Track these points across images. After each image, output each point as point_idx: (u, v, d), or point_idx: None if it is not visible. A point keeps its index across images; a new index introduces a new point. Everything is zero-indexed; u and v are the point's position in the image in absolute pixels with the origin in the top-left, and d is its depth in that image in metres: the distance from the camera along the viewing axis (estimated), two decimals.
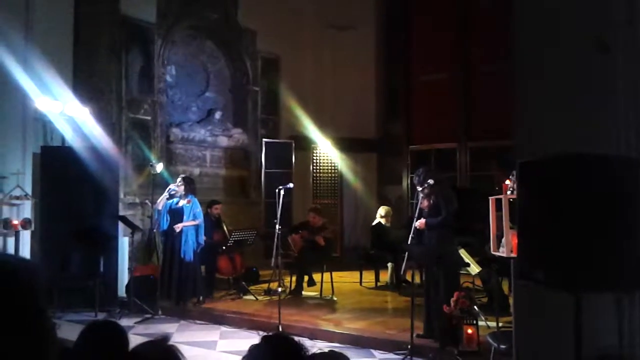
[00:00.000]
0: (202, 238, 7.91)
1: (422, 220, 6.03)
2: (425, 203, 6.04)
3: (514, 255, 3.90)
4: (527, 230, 2.95)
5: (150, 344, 1.86)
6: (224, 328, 7.08)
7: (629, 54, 3.13)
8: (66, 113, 8.27)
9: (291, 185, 7.74)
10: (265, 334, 2.05)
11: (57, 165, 8.01)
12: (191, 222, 7.79)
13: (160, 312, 7.56)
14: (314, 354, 2.07)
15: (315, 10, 12.08)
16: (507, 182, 4.46)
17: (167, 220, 7.83)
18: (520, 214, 2.99)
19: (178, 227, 7.71)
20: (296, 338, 1.97)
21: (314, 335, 6.30)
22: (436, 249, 5.88)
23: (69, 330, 2.41)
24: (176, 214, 7.81)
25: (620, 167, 2.76)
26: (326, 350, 2.45)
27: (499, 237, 4.45)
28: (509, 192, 4.36)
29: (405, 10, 12.41)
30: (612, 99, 3.17)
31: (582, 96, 3.28)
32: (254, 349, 1.90)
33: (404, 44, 12.45)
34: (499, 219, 4.48)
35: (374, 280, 9.49)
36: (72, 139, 8.44)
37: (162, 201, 7.84)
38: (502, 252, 4.35)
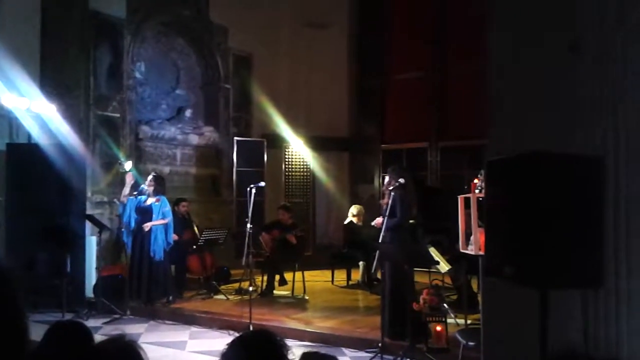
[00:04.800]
0: (172, 237, 7.83)
1: (379, 220, 6.07)
2: (385, 200, 6.07)
3: (482, 252, 3.95)
4: (494, 227, 2.98)
5: (109, 340, 1.85)
6: (193, 328, 7.01)
7: (597, 54, 3.18)
8: (32, 110, 8.10)
9: (263, 183, 7.70)
10: (236, 333, 2.03)
11: (23, 163, 7.83)
12: (160, 221, 7.69)
13: (129, 313, 7.46)
14: (304, 353, 2.08)
15: (289, 8, 12.05)
16: (476, 180, 4.51)
17: (134, 218, 7.72)
18: (488, 211, 3.02)
19: (147, 226, 7.62)
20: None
21: (285, 334, 6.20)
22: (403, 248, 5.91)
23: (35, 331, 2.36)
24: (145, 213, 7.71)
25: (585, 165, 2.80)
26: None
27: (468, 235, 4.50)
28: (477, 191, 4.41)
29: (380, 10, 12.46)
30: (579, 100, 3.23)
31: (552, 97, 3.33)
32: (235, 344, 1.89)
33: (378, 44, 12.50)
34: (467, 217, 4.53)
35: (345, 279, 9.52)
36: (38, 136, 8.27)
37: (125, 195, 7.70)
38: (471, 250, 4.40)
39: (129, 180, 7.77)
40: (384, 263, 6.03)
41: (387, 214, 5.97)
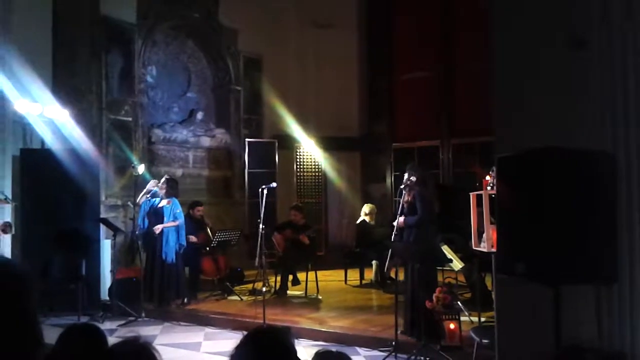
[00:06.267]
0: (184, 239, 7.87)
1: (402, 219, 6.06)
2: (406, 198, 6.07)
3: (494, 250, 3.93)
4: (506, 224, 2.97)
5: (124, 342, 1.86)
6: (208, 329, 7.04)
7: (603, 51, 3.16)
8: (46, 115, 8.17)
9: (274, 184, 7.72)
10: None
11: (37, 168, 7.91)
12: (171, 223, 7.73)
13: (144, 315, 7.51)
14: (318, 352, 2.08)
15: (297, 8, 12.07)
16: (488, 177, 4.49)
17: (146, 221, 7.80)
18: (499, 208, 3.01)
19: (158, 229, 7.67)
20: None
21: (299, 334, 6.29)
22: (415, 247, 5.89)
23: (50, 334, 2.39)
24: (156, 215, 7.77)
25: (596, 161, 2.79)
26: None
27: (480, 233, 4.49)
28: (489, 188, 4.39)
29: (387, 8, 12.44)
30: (587, 96, 3.21)
31: (561, 93, 3.31)
32: (242, 345, 1.90)
33: (386, 42, 12.47)
34: (480, 215, 4.51)
35: (358, 278, 9.51)
36: (51, 142, 8.34)
37: (142, 198, 7.81)
38: (483, 247, 4.38)
39: (151, 186, 7.86)
40: (406, 262, 6.03)
41: (407, 211, 5.99)
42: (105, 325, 6.88)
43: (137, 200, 7.88)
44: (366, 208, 9.71)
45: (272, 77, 11.70)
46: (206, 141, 11.14)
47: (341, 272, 9.73)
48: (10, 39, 7.77)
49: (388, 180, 12.23)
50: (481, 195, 4.49)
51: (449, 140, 11.62)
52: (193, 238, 8.32)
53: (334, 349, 2.27)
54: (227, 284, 8.59)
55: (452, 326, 5.51)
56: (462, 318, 5.85)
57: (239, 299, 8.25)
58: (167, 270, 7.69)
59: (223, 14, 11.03)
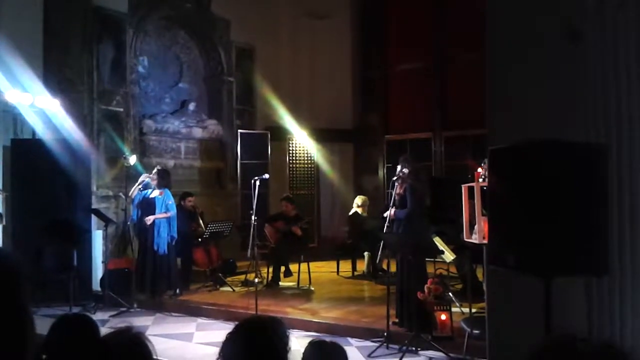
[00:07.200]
0: (175, 230, 7.85)
1: (393, 211, 6.08)
2: (398, 190, 6.09)
3: (485, 241, 3.96)
4: (497, 216, 2.98)
5: (116, 332, 1.86)
6: (200, 320, 7.06)
7: (598, 42, 3.17)
8: (36, 105, 8.12)
9: (267, 176, 7.73)
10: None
11: (28, 159, 7.87)
12: (163, 215, 7.72)
13: (135, 305, 7.51)
14: (312, 341, 2.09)
15: None
16: (479, 169, 4.50)
17: (138, 212, 7.78)
18: (491, 200, 3.02)
19: (149, 220, 7.65)
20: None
21: (291, 324, 6.29)
22: (408, 238, 5.91)
23: (42, 325, 2.38)
24: (148, 206, 7.75)
25: (589, 153, 2.79)
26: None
27: (472, 225, 4.51)
28: (481, 180, 4.41)
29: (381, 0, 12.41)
30: (581, 87, 3.21)
31: (553, 84, 3.32)
32: (233, 334, 1.90)
33: (380, 34, 12.46)
34: (471, 207, 4.53)
35: (350, 270, 9.54)
36: (42, 132, 8.29)
37: (134, 191, 7.80)
38: (475, 239, 4.40)
39: (142, 179, 7.84)
40: (398, 253, 6.05)
41: (398, 204, 6.00)
42: (97, 316, 6.87)
43: (130, 194, 7.84)
44: (358, 200, 9.73)
45: (264, 68, 11.65)
46: (198, 132, 11.10)
47: (333, 264, 9.76)
48: (1, 29, 7.71)
49: (380, 172, 12.25)
50: (473, 187, 4.51)
51: (442, 133, 11.64)
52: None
53: (327, 339, 2.28)
54: (220, 275, 8.59)
55: (443, 317, 5.55)
56: (453, 309, 5.89)
57: (231, 290, 8.26)
58: (159, 261, 7.69)
59: (215, 4, 10.97)
